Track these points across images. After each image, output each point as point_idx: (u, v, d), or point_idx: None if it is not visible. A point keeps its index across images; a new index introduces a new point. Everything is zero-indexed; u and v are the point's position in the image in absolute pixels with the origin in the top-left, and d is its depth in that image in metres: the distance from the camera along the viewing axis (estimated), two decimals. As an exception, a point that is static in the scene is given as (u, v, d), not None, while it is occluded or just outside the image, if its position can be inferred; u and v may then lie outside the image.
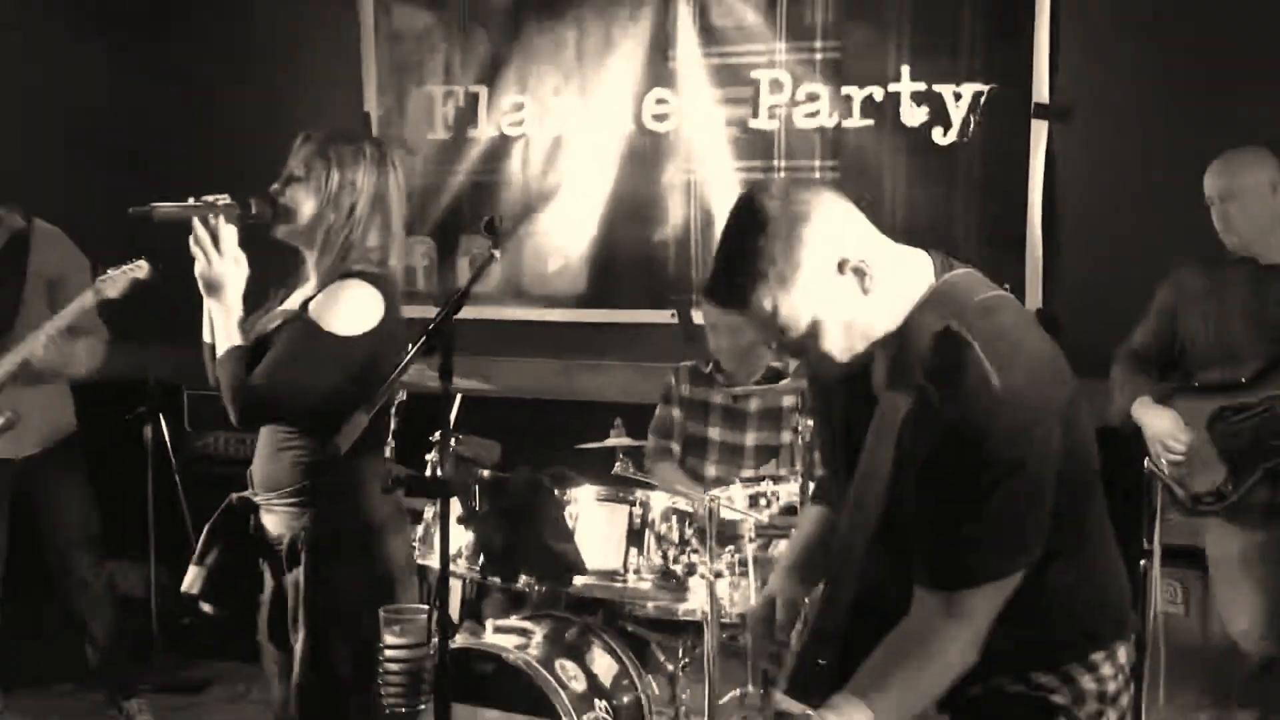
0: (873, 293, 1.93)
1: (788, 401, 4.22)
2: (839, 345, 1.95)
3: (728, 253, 1.95)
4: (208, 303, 2.85)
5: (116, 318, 4.48)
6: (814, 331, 1.93)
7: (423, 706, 2.72)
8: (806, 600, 2.32)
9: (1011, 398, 1.82)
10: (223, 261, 2.78)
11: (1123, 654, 2.06)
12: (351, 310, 2.80)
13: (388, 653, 2.68)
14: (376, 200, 2.89)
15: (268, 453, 2.95)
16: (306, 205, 2.86)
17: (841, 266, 1.91)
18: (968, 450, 1.83)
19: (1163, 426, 3.61)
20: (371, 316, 2.81)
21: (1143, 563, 3.80)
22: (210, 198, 2.80)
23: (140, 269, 4.14)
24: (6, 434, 4.29)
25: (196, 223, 2.76)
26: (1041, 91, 4.71)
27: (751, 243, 1.90)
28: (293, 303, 2.92)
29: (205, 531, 3.00)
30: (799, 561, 2.34)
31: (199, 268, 2.79)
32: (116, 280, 4.15)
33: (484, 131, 5.50)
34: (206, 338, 2.91)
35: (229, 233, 2.79)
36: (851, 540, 2.00)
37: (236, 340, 2.81)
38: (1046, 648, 2.02)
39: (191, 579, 2.97)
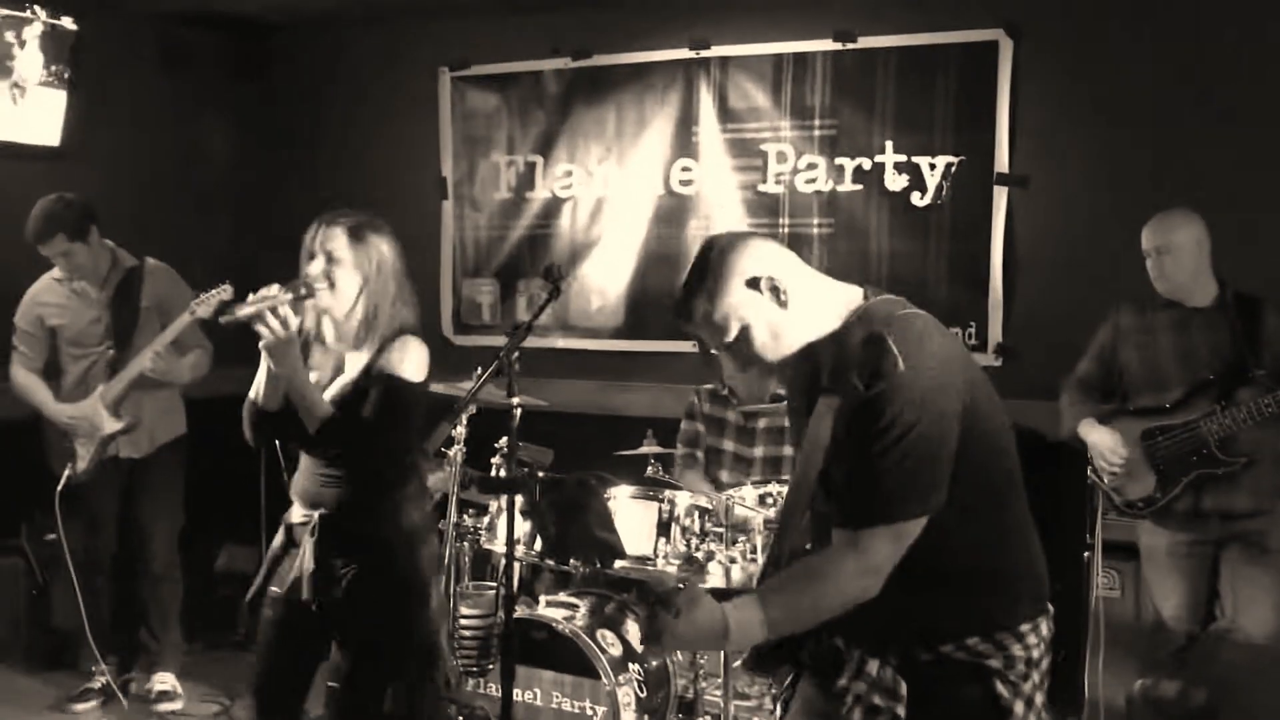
0: (791, 306, 2.03)
1: (791, 419, 4.20)
2: (768, 347, 2.06)
3: (684, 282, 2.11)
4: (279, 373, 2.73)
5: (242, 347, 4.49)
6: (744, 335, 2.05)
7: (491, 667, 2.75)
8: None
9: (912, 375, 1.91)
10: (290, 341, 2.70)
11: (1044, 627, 2.08)
12: (420, 361, 2.83)
13: (462, 622, 2.70)
14: (400, 271, 2.87)
15: (311, 474, 2.88)
16: (351, 282, 2.80)
17: (755, 283, 2.03)
18: (876, 415, 1.91)
19: (1104, 443, 3.60)
20: (427, 362, 2.85)
21: (1086, 555, 3.79)
22: (268, 292, 2.68)
23: (226, 291, 4.10)
24: (127, 436, 4.28)
25: (267, 314, 2.65)
26: (1002, 163, 4.72)
27: (696, 271, 2.08)
28: (351, 367, 2.84)
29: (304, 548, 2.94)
30: None
31: (269, 347, 2.69)
32: (208, 301, 4.14)
33: (539, 193, 5.53)
34: (254, 395, 2.81)
35: (292, 316, 2.70)
36: (795, 500, 2.09)
37: (328, 410, 2.76)
38: (981, 616, 2.02)
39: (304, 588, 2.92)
